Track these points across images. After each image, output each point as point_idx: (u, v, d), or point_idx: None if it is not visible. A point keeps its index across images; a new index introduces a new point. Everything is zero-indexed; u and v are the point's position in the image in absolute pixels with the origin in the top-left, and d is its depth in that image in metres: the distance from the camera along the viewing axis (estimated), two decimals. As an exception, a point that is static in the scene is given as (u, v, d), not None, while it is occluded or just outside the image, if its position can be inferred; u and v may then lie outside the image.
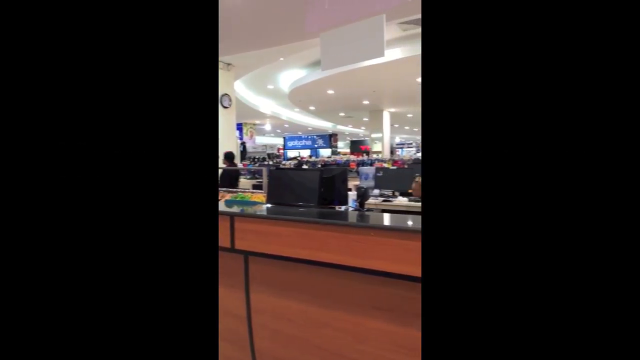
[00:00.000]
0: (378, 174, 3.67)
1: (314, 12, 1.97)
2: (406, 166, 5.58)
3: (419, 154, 11.52)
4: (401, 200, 3.44)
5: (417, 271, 1.20)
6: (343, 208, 1.81)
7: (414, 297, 1.26)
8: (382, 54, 1.92)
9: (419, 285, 1.24)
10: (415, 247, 1.21)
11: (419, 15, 4.87)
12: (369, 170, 3.90)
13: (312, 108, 12.07)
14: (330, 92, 8.98)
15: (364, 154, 12.15)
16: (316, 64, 7.52)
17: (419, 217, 1.69)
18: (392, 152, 14.12)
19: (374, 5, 1.82)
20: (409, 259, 1.22)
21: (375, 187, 3.68)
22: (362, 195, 1.84)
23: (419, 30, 5.75)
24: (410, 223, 1.35)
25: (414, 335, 1.27)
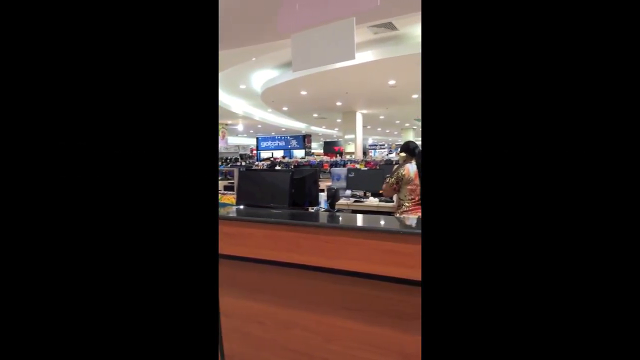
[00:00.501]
0: (350, 175, 3.71)
1: (286, 13, 1.97)
2: (378, 167, 5.67)
3: (391, 155, 11.72)
4: (372, 201, 3.49)
5: (386, 270, 1.23)
6: (314, 209, 1.82)
7: (383, 295, 1.29)
8: (352, 57, 1.95)
9: (387, 284, 1.28)
10: (384, 246, 1.23)
11: (390, 19, 4.97)
12: (341, 171, 3.94)
13: (285, 109, 12.02)
14: (304, 93, 8.98)
15: (338, 155, 12.24)
16: (289, 64, 7.51)
17: (390, 217, 1.73)
18: (365, 153, 14.30)
19: (344, 8, 1.84)
20: (378, 259, 1.25)
21: (347, 187, 3.72)
22: (333, 196, 1.86)
23: (390, 33, 5.86)
24: (382, 223, 1.38)
25: (383, 333, 1.29)
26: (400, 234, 1.23)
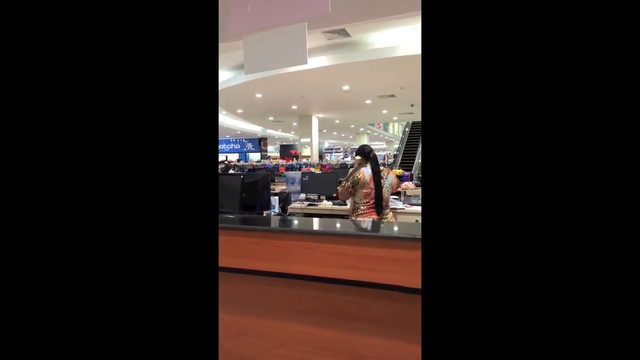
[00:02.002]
0: (304, 179, 3.72)
1: (237, 15, 1.94)
2: (332, 170, 5.75)
3: (347, 159, 11.93)
4: (326, 204, 3.53)
5: (338, 273, 1.25)
6: (265, 213, 1.80)
7: (335, 298, 1.30)
8: (305, 62, 1.96)
9: (339, 287, 1.29)
10: (336, 249, 1.25)
11: (343, 26, 5.06)
12: (296, 174, 3.94)
13: (239, 111, 11.81)
14: (259, 95, 8.88)
15: (294, 159, 12.23)
16: (243, 66, 7.39)
17: (345, 221, 1.75)
18: (321, 156, 14.42)
19: (296, 12, 1.85)
20: (330, 262, 1.26)
21: (302, 191, 3.72)
22: (284, 200, 1.85)
23: (343, 40, 5.98)
24: (335, 226, 1.39)
25: (334, 335, 1.31)
26: (351, 236, 1.25)
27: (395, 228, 1.50)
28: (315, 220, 1.63)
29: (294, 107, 10.39)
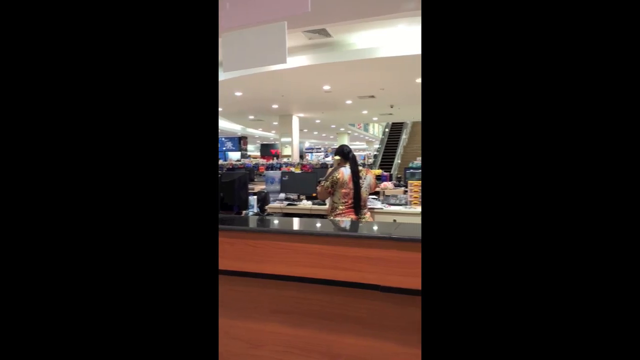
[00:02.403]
0: (284, 178, 3.70)
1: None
2: (312, 170, 5.75)
3: (327, 159, 11.96)
4: (305, 204, 3.53)
5: (314, 273, 1.25)
6: (243, 213, 1.78)
7: (310, 298, 1.30)
8: (284, 61, 1.95)
9: (316, 287, 1.30)
10: (312, 249, 1.25)
11: (323, 26, 5.06)
12: (275, 174, 3.91)
13: (220, 109, 11.65)
14: (238, 94, 8.78)
15: (274, 158, 12.15)
16: (222, 64, 7.29)
17: (322, 220, 1.75)
18: (301, 156, 14.40)
19: (276, 11, 1.84)
20: (306, 262, 1.26)
21: (281, 191, 3.70)
22: (263, 199, 1.84)
23: (324, 40, 5.99)
24: (311, 226, 1.39)
25: (310, 335, 1.31)
26: (327, 236, 1.25)
27: (372, 227, 1.51)
28: (292, 220, 1.62)
29: (275, 106, 10.33)
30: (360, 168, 2.62)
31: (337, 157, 2.64)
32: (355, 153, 2.70)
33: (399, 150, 13.29)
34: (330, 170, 2.73)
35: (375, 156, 13.50)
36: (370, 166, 10.99)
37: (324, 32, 5.60)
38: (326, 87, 7.84)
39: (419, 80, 6.88)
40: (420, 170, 4.65)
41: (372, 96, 8.42)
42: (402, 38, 5.47)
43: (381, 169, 9.14)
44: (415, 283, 1.16)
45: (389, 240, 1.21)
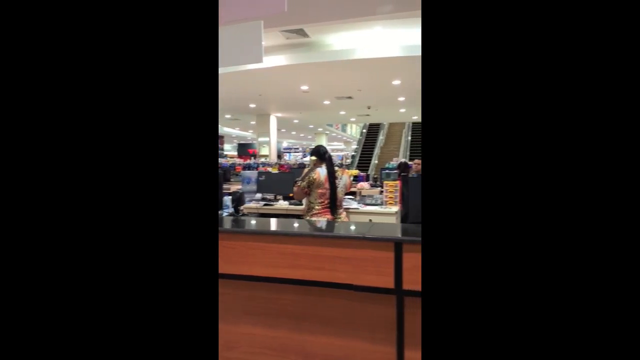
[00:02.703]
0: (260, 178, 3.67)
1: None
2: (290, 170, 5.73)
3: (305, 159, 11.95)
4: (282, 204, 3.51)
5: (287, 273, 1.25)
6: (218, 213, 1.75)
7: (284, 298, 1.30)
8: (260, 60, 1.93)
9: (289, 287, 1.29)
10: (286, 250, 1.25)
11: (300, 26, 5.07)
12: (252, 174, 3.88)
13: (195, 108, 11.41)
14: (215, 92, 8.64)
15: (252, 158, 12.04)
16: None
17: (297, 220, 1.75)
18: (279, 156, 14.33)
19: (251, 10, 1.82)
20: (279, 262, 1.25)
21: (258, 191, 3.67)
22: (237, 199, 1.82)
23: (301, 40, 5.98)
24: (288, 226, 1.39)
25: (284, 335, 1.30)
26: (300, 236, 1.25)
27: (347, 227, 1.53)
28: (266, 221, 1.62)
29: (252, 105, 10.23)
30: (336, 168, 2.64)
31: (313, 158, 2.65)
32: (333, 153, 2.72)
33: (376, 151, 13.45)
34: (306, 170, 2.73)
35: (353, 156, 13.60)
36: (348, 166, 11.07)
37: (301, 32, 5.60)
38: (304, 87, 7.84)
39: (395, 82, 6.99)
40: (395, 171, 4.73)
41: (350, 97, 8.48)
42: (379, 40, 5.54)
43: (359, 169, 9.22)
44: (389, 282, 1.18)
45: (362, 240, 1.23)
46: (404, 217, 1.59)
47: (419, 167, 5.33)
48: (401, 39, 5.41)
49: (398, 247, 1.17)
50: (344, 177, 2.67)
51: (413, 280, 1.16)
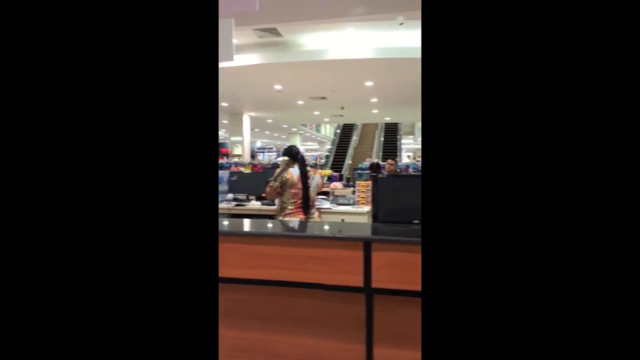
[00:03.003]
0: (232, 178, 3.62)
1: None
2: (263, 170, 5.68)
3: (279, 159, 11.88)
4: (254, 204, 3.48)
5: (257, 274, 1.24)
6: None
7: (253, 299, 1.29)
8: (231, 59, 1.91)
9: (259, 287, 1.28)
10: (257, 250, 1.24)
11: (273, 25, 5.04)
12: (223, 174, 3.82)
13: (165, 106, 11.09)
14: (186, 90, 8.45)
15: (224, 157, 11.84)
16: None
17: (267, 220, 1.74)
18: (253, 156, 14.17)
19: (223, 8, 1.79)
20: (249, 263, 1.24)
21: (229, 191, 3.62)
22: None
23: (275, 39, 5.95)
24: (258, 226, 1.37)
25: (253, 337, 1.29)
26: (273, 237, 1.25)
27: (318, 227, 1.53)
28: (237, 221, 1.60)
29: (224, 104, 10.06)
30: (308, 168, 2.64)
31: (286, 158, 2.64)
32: (307, 154, 2.72)
33: (350, 151, 13.57)
34: (278, 170, 2.72)
35: (327, 157, 13.66)
36: (323, 166, 11.11)
37: (274, 32, 5.57)
38: (277, 87, 7.80)
39: (368, 83, 7.08)
40: (367, 171, 4.79)
41: (324, 97, 8.52)
42: (351, 42, 5.59)
43: (333, 169, 9.27)
44: (358, 281, 1.19)
45: (332, 240, 1.24)
46: (375, 216, 1.61)
47: (392, 167, 5.43)
48: (373, 41, 5.49)
49: (367, 246, 1.19)
50: (316, 177, 2.68)
51: (382, 278, 1.18)
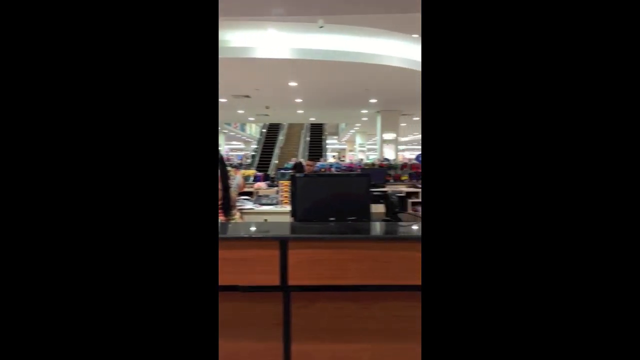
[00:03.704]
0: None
1: None
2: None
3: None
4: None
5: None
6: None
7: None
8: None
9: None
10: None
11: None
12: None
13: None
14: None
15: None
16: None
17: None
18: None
19: None
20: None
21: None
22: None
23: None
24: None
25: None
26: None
27: (234, 228, 1.51)
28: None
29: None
30: (229, 168, 2.59)
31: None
32: (232, 153, 2.67)
33: (276, 151, 13.53)
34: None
35: (253, 156, 13.44)
36: (249, 166, 10.90)
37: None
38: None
39: (292, 83, 7.14)
40: (291, 171, 4.83)
41: (248, 96, 8.36)
42: (274, 41, 5.58)
43: (259, 169, 9.15)
44: (274, 279, 1.20)
45: (248, 240, 1.23)
46: (294, 215, 1.64)
47: (310, 167, 5.55)
48: (295, 42, 5.55)
49: (283, 244, 1.21)
50: (237, 178, 2.63)
51: (299, 275, 1.21)
